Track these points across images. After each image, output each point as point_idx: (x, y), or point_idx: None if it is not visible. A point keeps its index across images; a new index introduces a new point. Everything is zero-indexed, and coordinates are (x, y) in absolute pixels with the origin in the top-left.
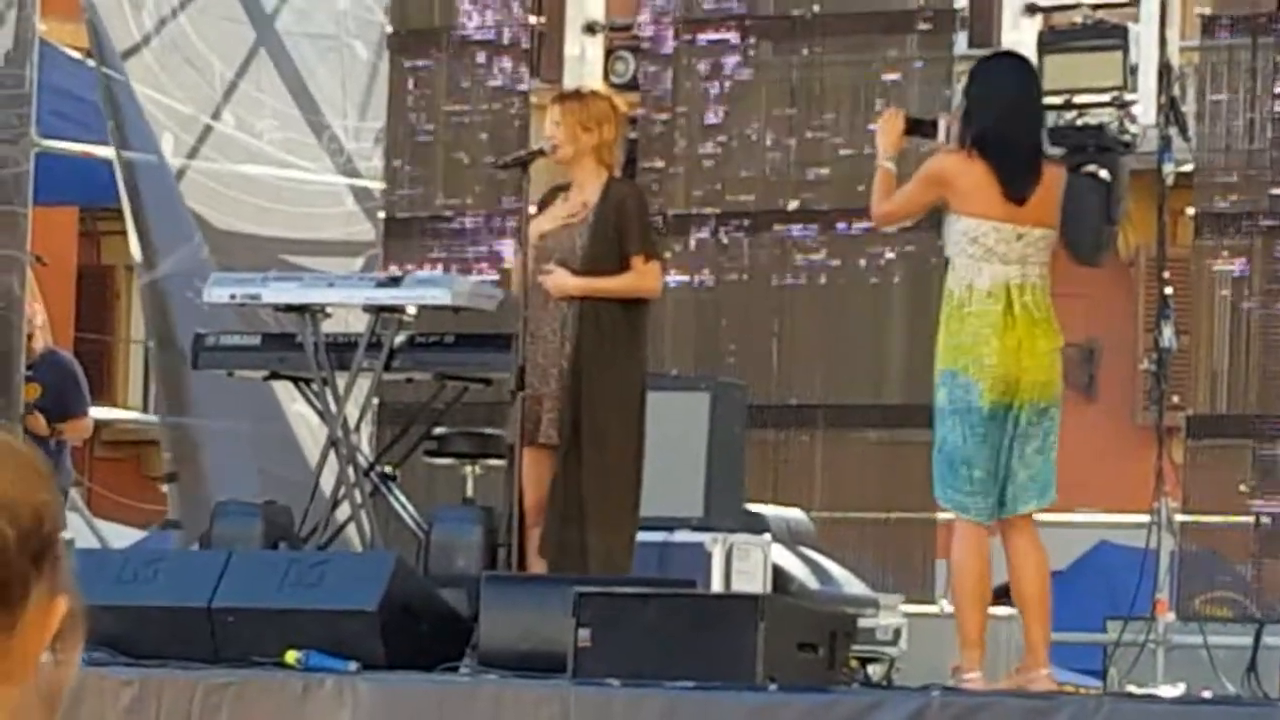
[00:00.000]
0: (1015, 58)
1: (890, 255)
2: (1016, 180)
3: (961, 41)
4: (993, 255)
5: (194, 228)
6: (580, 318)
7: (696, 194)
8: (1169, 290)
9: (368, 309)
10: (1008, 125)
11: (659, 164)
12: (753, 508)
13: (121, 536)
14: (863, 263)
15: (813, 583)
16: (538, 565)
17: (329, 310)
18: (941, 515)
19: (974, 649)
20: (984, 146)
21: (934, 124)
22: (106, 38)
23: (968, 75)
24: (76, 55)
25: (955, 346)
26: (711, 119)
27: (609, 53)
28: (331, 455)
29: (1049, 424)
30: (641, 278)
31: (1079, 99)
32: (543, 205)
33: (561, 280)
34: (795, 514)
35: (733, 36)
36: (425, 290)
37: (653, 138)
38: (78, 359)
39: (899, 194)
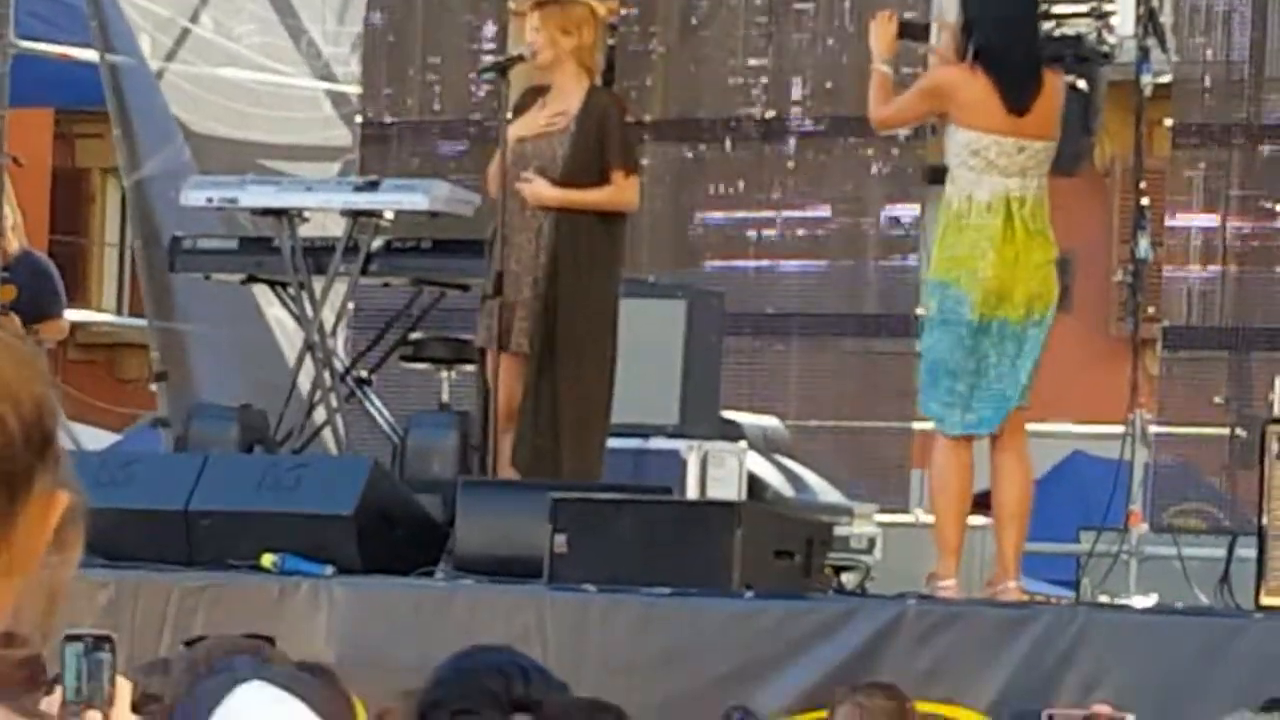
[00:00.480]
0: None
1: (874, 170)
2: (1018, 92)
3: None
4: (993, 168)
5: (176, 130)
6: (557, 228)
7: (674, 101)
8: (1145, 201)
9: (345, 213)
10: (1007, 37)
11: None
12: (728, 415)
13: (95, 439)
14: (841, 173)
15: (788, 491)
16: (510, 471)
17: (306, 214)
18: (917, 425)
19: (950, 558)
20: (985, 59)
21: (926, 27)
22: None
23: None
24: None
25: (951, 258)
26: (690, 24)
27: None
28: (308, 359)
29: (1037, 333)
30: (620, 191)
31: (1057, 9)
32: (519, 108)
33: (540, 190)
34: (771, 422)
35: None
36: (402, 195)
37: (630, 44)
38: (52, 261)
39: (898, 101)
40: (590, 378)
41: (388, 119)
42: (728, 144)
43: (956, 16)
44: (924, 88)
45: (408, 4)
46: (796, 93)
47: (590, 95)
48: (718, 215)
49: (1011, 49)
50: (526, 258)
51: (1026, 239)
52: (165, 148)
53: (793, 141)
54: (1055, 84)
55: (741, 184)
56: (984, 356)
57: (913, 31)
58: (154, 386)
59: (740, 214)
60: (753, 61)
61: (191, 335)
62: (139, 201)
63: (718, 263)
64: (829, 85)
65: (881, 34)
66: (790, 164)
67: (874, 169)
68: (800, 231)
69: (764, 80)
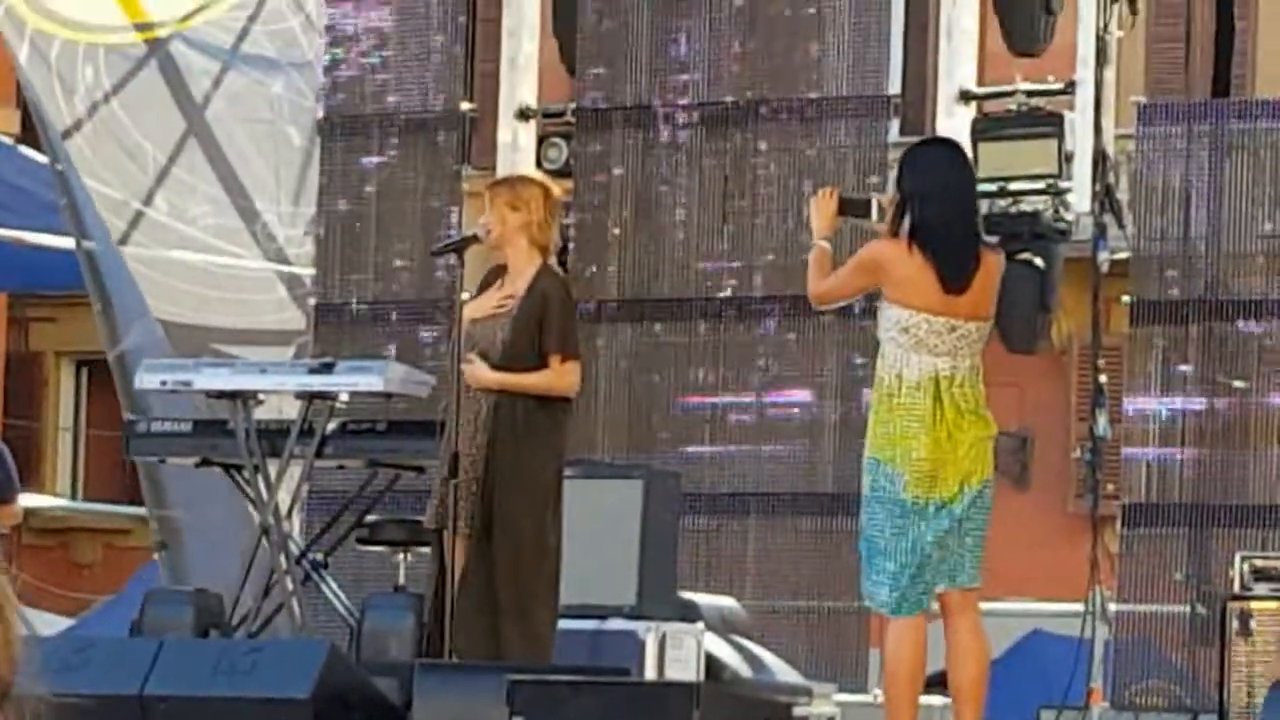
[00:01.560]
0: (948, 144)
1: (824, 339)
2: (955, 271)
3: (894, 129)
4: (922, 346)
5: (146, 306)
6: (495, 410)
7: (629, 281)
8: (1103, 378)
9: (299, 396)
10: (945, 215)
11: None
12: (686, 596)
13: (50, 624)
14: (795, 347)
15: (746, 671)
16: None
17: (261, 397)
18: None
19: None
20: (922, 238)
21: (867, 203)
22: (48, 119)
23: (899, 163)
24: (8, 141)
25: (884, 435)
26: (643, 206)
27: (542, 139)
28: (263, 542)
29: (977, 511)
30: (558, 376)
31: (1014, 186)
32: (484, 286)
33: (478, 372)
34: (728, 602)
35: (664, 125)
36: (358, 377)
37: (585, 225)
38: (5, 445)
39: (835, 276)
40: (528, 559)
41: (342, 300)
42: (692, 325)
43: (893, 191)
44: (859, 262)
45: (361, 187)
46: (758, 277)
47: (537, 276)
48: (683, 398)
49: (949, 227)
50: (466, 438)
51: (957, 418)
52: (138, 321)
53: (766, 322)
54: (992, 263)
55: (705, 367)
56: (919, 537)
57: (853, 208)
58: (156, 556)
59: (704, 398)
60: (710, 243)
61: (184, 519)
62: (123, 374)
63: (689, 447)
64: (784, 265)
65: (821, 210)
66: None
67: (827, 347)
68: (769, 413)
69: (726, 263)
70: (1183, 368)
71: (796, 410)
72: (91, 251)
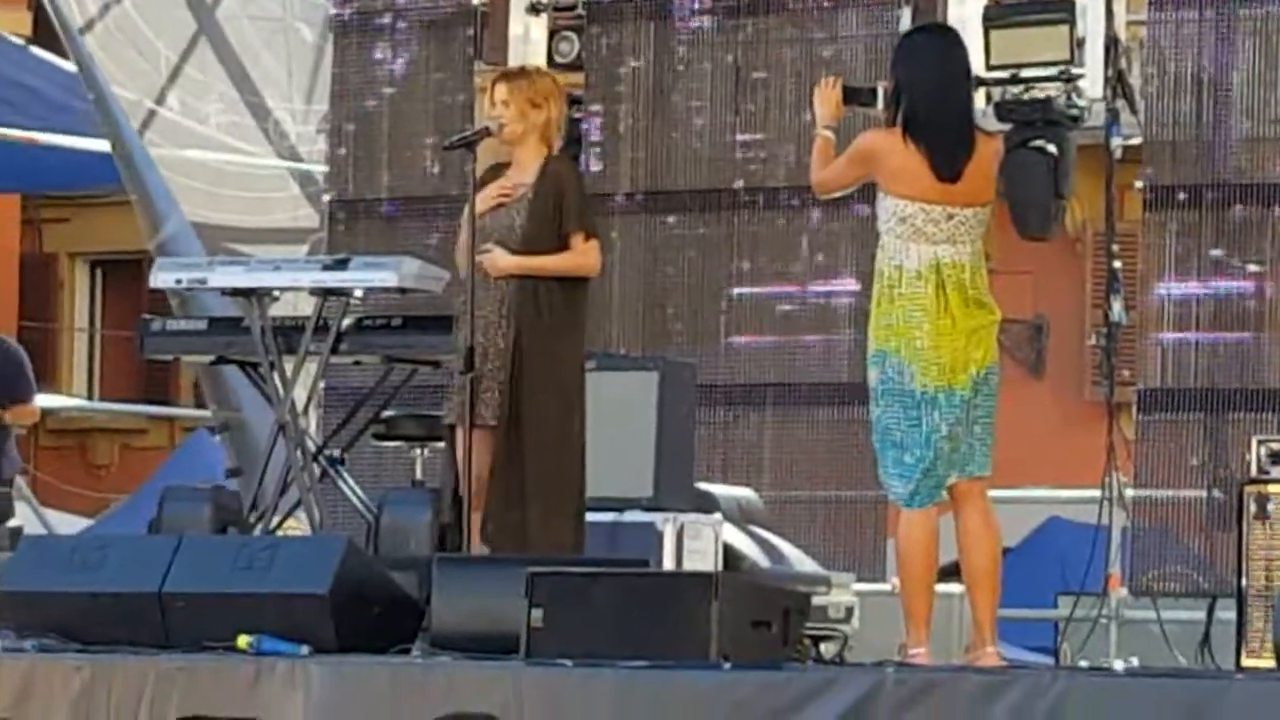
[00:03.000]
0: (941, 30)
1: (836, 229)
2: (947, 159)
3: (905, 18)
4: (921, 235)
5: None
6: (519, 297)
7: (641, 174)
8: (1118, 264)
9: (314, 292)
10: (935, 103)
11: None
12: (703, 487)
13: (68, 524)
14: (806, 240)
15: (764, 561)
16: (482, 547)
17: (276, 294)
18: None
19: (919, 627)
20: (912, 126)
21: (872, 91)
22: (64, 16)
23: (893, 52)
24: (19, 42)
25: (887, 327)
26: (655, 99)
27: (553, 32)
28: (280, 439)
29: (985, 396)
30: (581, 255)
31: (1025, 73)
32: (481, 184)
33: (498, 259)
34: (746, 493)
35: (676, 17)
36: (372, 273)
37: (597, 118)
38: (22, 346)
39: (831, 166)
40: (556, 448)
41: (356, 197)
42: (706, 217)
43: (888, 80)
44: (852, 154)
45: (373, 83)
46: (765, 162)
47: (546, 163)
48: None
49: (941, 115)
50: (491, 329)
51: (961, 305)
52: (174, 212)
53: (780, 213)
54: (988, 149)
55: (721, 259)
56: (934, 429)
57: (857, 97)
58: (216, 438)
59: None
60: (723, 135)
61: (245, 408)
62: None
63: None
64: (790, 157)
65: (825, 99)
66: (763, 234)
67: (840, 237)
68: (781, 306)
69: (739, 154)
70: (1197, 253)
71: (809, 302)
72: (124, 146)
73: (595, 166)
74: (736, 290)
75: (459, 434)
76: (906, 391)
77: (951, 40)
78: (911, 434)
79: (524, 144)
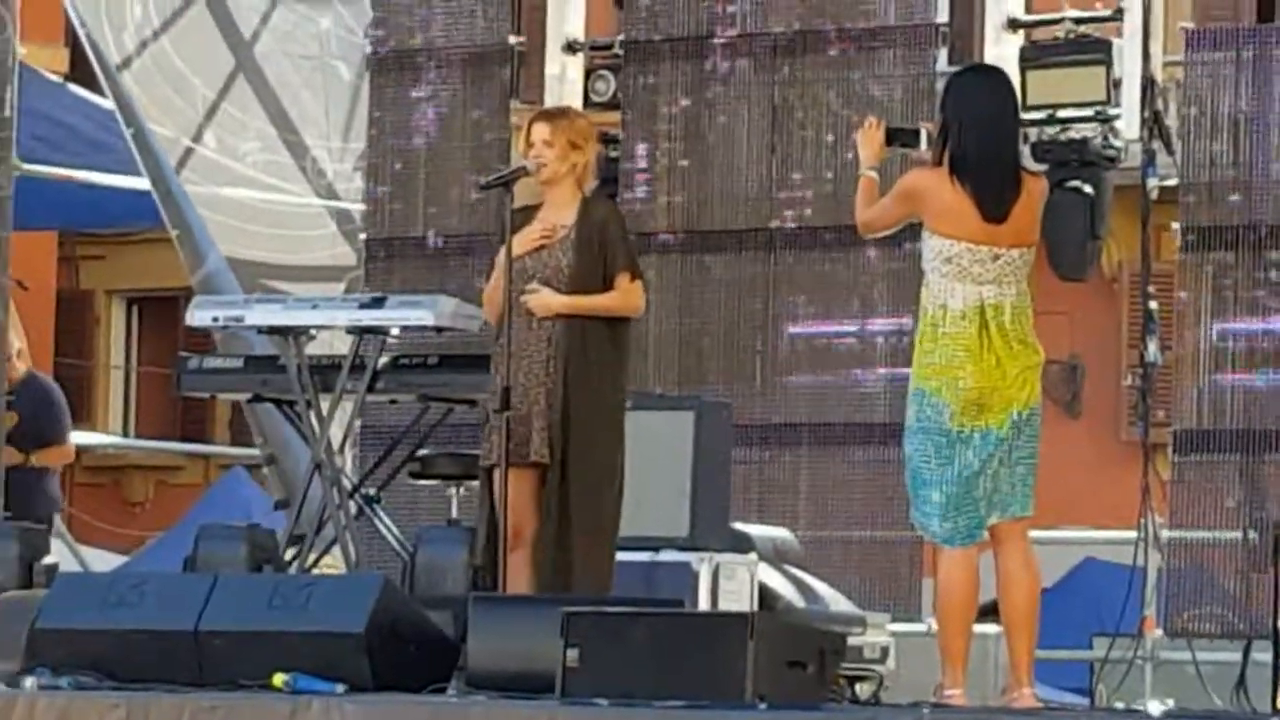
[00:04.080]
0: (989, 71)
1: (875, 268)
2: (994, 200)
3: (942, 58)
4: (966, 275)
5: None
6: (567, 336)
7: (679, 214)
8: (1154, 305)
9: (351, 331)
10: (983, 143)
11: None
12: (738, 527)
13: (103, 561)
14: (844, 279)
15: (799, 601)
16: (519, 587)
17: (312, 332)
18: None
19: (956, 667)
20: (960, 166)
21: (916, 133)
22: (102, 54)
23: (942, 91)
24: (56, 79)
25: (929, 365)
26: (691, 138)
27: (589, 72)
28: (316, 477)
29: (1027, 438)
30: (626, 296)
31: (1062, 114)
32: (512, 227)
33: (548, 299)
34: (781, 533)
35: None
36: (408, 312)
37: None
38: (57, 383)
39: (877, 205)
40: (604, 485)
41: (392, 235)
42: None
43: (936, 119)
44: (898, 193)
45: (410, 122)
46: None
47: (586, 205)
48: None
49: (987, 155)
50: (538, 369)
51: (1004, 346)
52: (212, 249)
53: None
54: (1034, 189)
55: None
56: (967, 466)
57: (901, 138)
58: (265, 469)
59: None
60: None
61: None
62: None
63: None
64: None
65: (868, 140)
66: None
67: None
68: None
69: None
70: (1233, 294)
71: (845, 341)
72: (165, 184)
73: (632, 206)
74: (772, 330)
75: (496, 475)
76: (942, 430)
77: (1000, 80)
78: (941, 472)
79: (560, 185)
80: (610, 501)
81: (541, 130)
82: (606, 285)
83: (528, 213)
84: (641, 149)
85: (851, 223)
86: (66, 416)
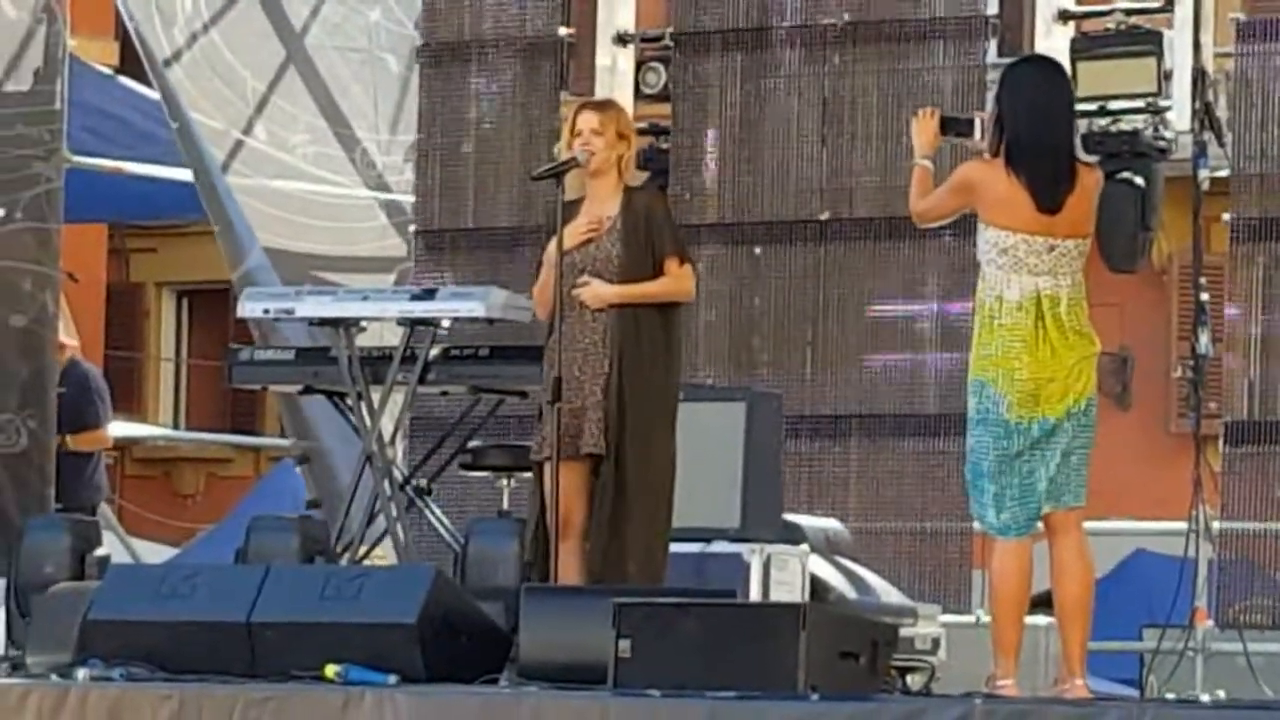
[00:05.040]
0: (1045, 62)
1: (924, 259)
2: (1048, 190)
3: (992, 50)
4: (1022, 266)
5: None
6: (620, 325)
7: (729, 205)
8: (1205, 296)
9: (402, 322)
10: (1038, 133)
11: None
12: (790, 518)
13: (153, 553)
14: (895, 270)
15: (851, 593)
16: (571, 578)
17: (363, 324)
18: (978, 525)
19: (1008, 658)
20: (1014, 156)
21: (970, 122)
22: (149, 47)
23: (998, 80)
24: (107, 71)
25: (985, 357)
26: (743, 130)
27: (640, 64)
28: (367, 469)
29: (1083, 428)
30: (678, 281)
31: (1113, 105)
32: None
33: (600, 290)
34: (832, 524)
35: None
36: (459, 303)
37: (683, 148)
38: (106, 376)
39: (931, 195)
40: (658, 474)
41: (443, 227)
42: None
43: (990, 109)
44: (953, 184)
45: (460, 113)
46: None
47: (629, 195)
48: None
49: (1042, 145)
50: (593, 360)
51: (1060, 337)
52: (255, 244)
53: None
54: (1089, 181)
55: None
56: (1023, 459)
57: (955, 127)
58: (298, 469)
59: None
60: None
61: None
62: None
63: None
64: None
65: (923, 130)
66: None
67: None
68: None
69: (825, 185)
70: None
71: (896, 332)
72: (208, 180)
73: (683, 198)
74: (822, 321)
75: (547, 468)
76: (1000, 421)
77: (1055, 71)
78: (1000, 464)
79: (605, 176)
80: (665, 492)
81: (590, 119)
82: (656, 272)
83: (572, 207)
84: (692, 141)
85: (902, 214)
86: (104, 403)
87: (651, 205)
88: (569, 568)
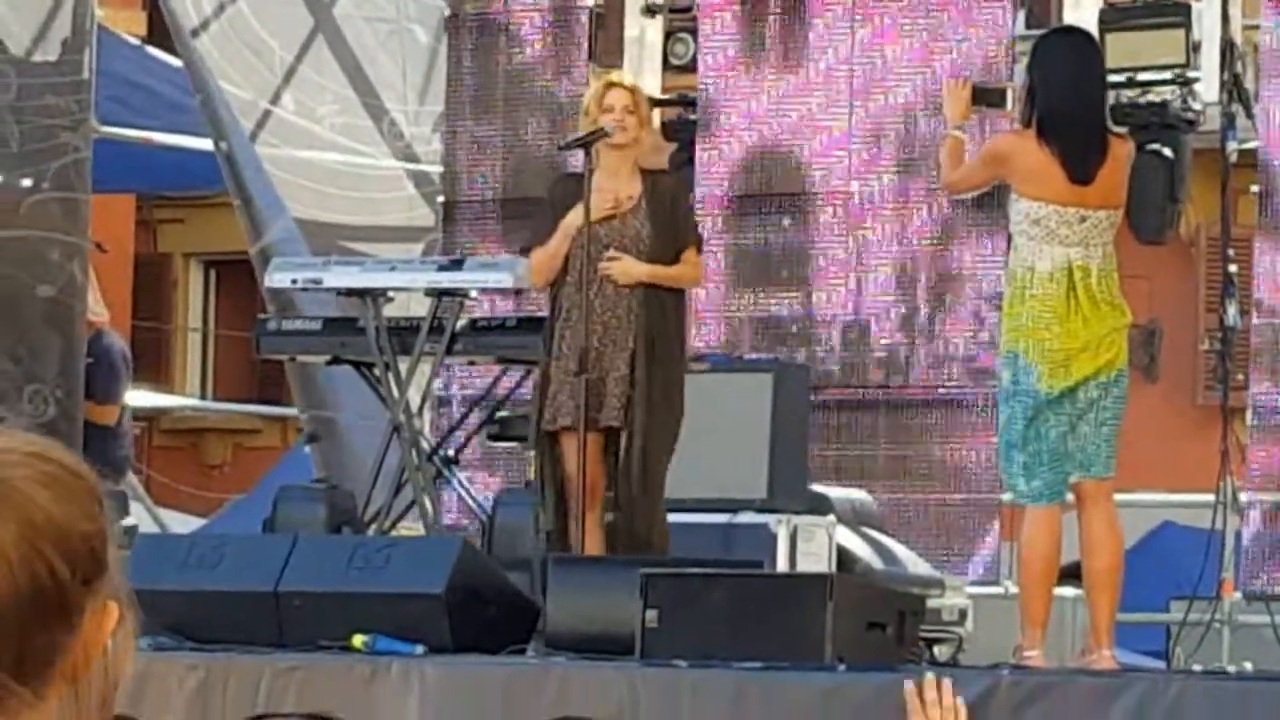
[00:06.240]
0: (1077, 33)
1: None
2: (1080, 161)
3: (1020, 21)
4: (1054, 237)
5: (284, 203)
6: (647, 302)
7: (756, 175)
8: (1233, 268)
9: (429, 293)
10: (1069, 104)
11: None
12: (817, 489)
13: (181, 523)
14: (925, 241)
15: (878, 563)
16: (594, 548)
17: (391, 294)
18: (1006, 496)
19: (1035, 629)
20: (1046, 127)
21: (1002, 93)
22: (177, 17)
23: (1030, 52)
24: (135, 41)
25: (1017, 328)
26: (769, 95)
27: (669, 34)
28: (394, 439)
29: (1112, 400)
30: (694, 269)
31: (1141, 76)
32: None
33: (630, 267)
34: (859, 495)
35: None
36: (487, 274)
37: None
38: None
39: (963, 167)
40: (669, 449)
41: (470, 198)
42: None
43: (1023, 81)
44: (984, 155)
45: (488, 84)
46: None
47: (653, 178)
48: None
49: (1073, 116)
50: (616, 334)
51: (1092, 308)
52: (280, 218)
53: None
54: (1121, 152)
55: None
56: (1052, 427)
57: (987, 97)
58: (307, 448)
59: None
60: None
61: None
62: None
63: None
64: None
65: (954, 99)
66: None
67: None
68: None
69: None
70: None
71: (922, 303)
72: (229, 148)
73: (715, 167)
74: (849, 292)
75: (563, 439)
76: (1031, 391)
77: (1086, 42)
78: (1030, 432)
79: (628, 152)
80: (666, 467)
81: (624, 97)
82: (676, 256)
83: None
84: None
85: (930, 184)
86: (119, 378)
87: (678, 191)
88: (590, 538)
